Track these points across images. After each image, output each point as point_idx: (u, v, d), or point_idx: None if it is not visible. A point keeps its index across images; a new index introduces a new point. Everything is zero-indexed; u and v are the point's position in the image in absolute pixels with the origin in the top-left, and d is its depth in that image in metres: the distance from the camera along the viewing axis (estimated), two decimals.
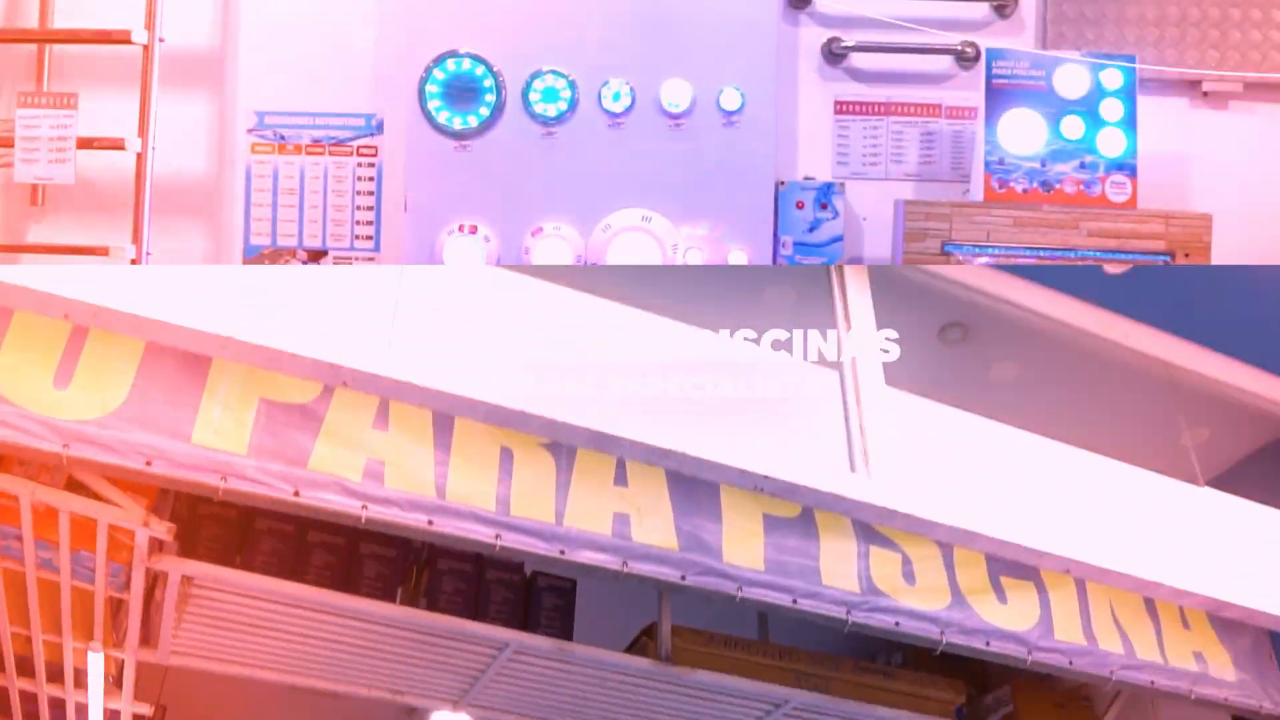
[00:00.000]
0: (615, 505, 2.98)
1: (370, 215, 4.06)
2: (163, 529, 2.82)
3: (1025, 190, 3.71)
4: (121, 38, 3.57)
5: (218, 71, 4.01)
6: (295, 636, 3.25)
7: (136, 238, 3.58)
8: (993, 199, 3.71)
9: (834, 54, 3.95)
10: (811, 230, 3.88)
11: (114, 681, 3.57)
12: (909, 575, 3.21)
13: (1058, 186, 3.70)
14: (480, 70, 3.81)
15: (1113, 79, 3.71)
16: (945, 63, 3.94)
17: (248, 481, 2.70)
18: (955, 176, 3.97)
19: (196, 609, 3.14)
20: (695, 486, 3.05)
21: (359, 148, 4.05)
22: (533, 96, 3.81)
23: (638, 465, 3.02)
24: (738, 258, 3.79)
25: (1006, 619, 3.28)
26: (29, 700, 3.86)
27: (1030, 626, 3.31)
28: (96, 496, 2.78)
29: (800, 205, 3.88)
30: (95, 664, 3.37)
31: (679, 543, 2.99)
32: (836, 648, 3.76)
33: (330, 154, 4.03)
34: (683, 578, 2.97)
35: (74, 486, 2.79)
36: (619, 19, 3.79)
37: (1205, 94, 3.91)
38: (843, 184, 3.89)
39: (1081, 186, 3.71)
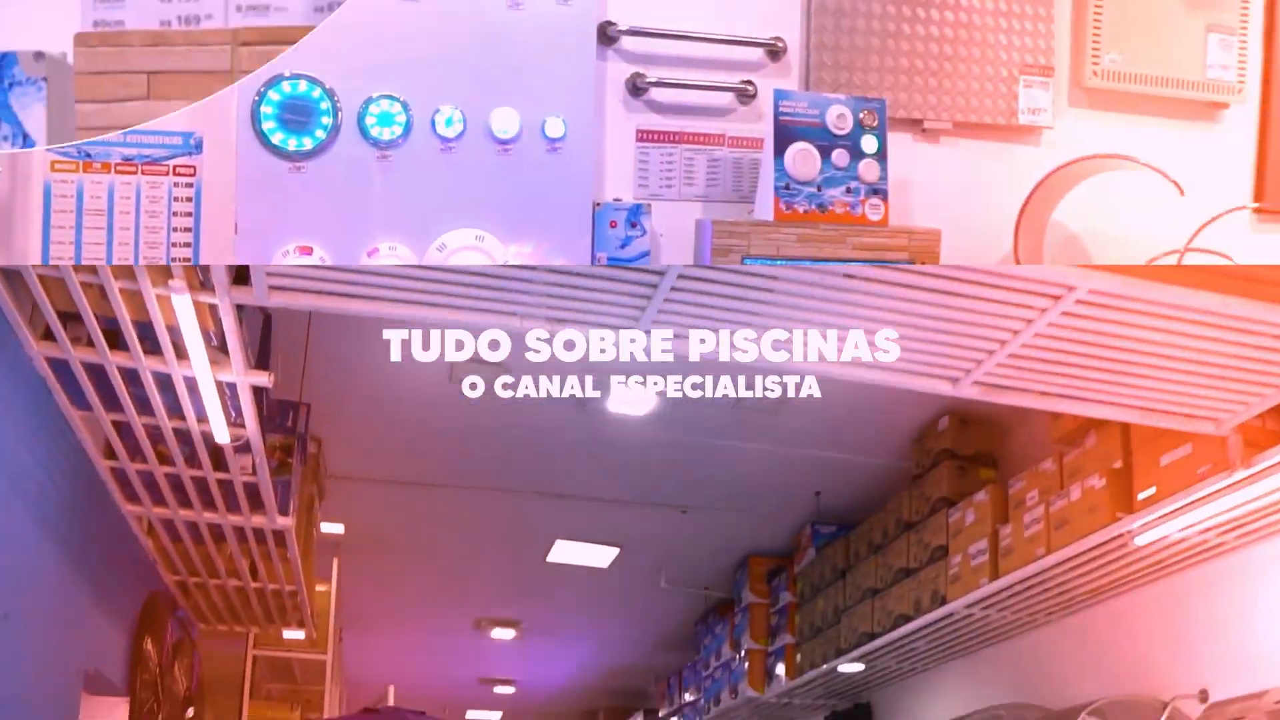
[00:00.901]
0: None
1: (189, 237, 3.95)
2: None
3: (806, 211, 4.33)
4: None
5: None
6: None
7: None
8: (781, 219, 4.30)
9: (637, 88, 4.37)
10: (623, 247, 4.29)
11: (218, 347, 3.21)
12: None
13: (830, 208, 4.36)
14: (317, 93, 3.85)
15: (869, 118, 4.42)
16: (728, 99, 4.48)
17: None
18: (736, 198, 4.53)
19: None
20: None
21: (176, 167, 3.92)
22: (369, 120, 3.91)
23: None
24: None
25: None
26: (134, 383, 3.39)
27: None
28: None
29: (614, 224, 4.27)
30: (183, 308, 3.05)
31: None
32: None
33: (143, 173, 3.88)
34: None
35: None
36: (452, 49, 3.99)
37: (924, 130, 4.73)
38: (649, 205, 4.32)
39: (848, 208, 4.39)
